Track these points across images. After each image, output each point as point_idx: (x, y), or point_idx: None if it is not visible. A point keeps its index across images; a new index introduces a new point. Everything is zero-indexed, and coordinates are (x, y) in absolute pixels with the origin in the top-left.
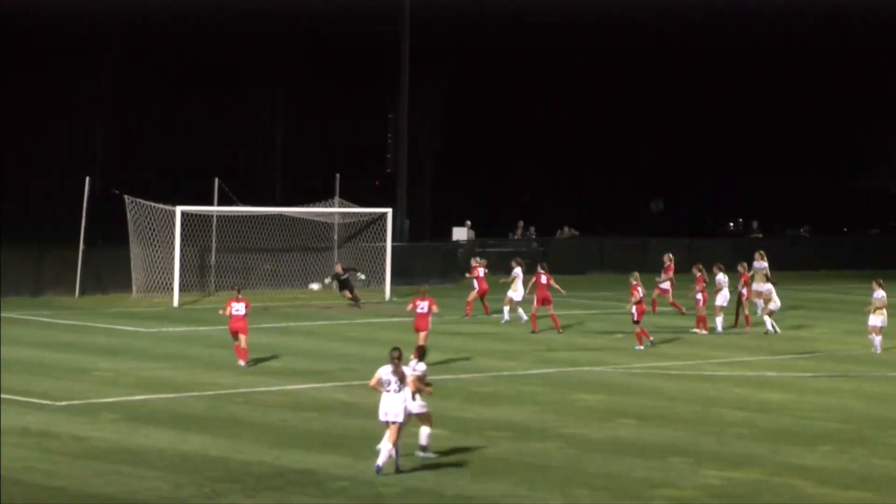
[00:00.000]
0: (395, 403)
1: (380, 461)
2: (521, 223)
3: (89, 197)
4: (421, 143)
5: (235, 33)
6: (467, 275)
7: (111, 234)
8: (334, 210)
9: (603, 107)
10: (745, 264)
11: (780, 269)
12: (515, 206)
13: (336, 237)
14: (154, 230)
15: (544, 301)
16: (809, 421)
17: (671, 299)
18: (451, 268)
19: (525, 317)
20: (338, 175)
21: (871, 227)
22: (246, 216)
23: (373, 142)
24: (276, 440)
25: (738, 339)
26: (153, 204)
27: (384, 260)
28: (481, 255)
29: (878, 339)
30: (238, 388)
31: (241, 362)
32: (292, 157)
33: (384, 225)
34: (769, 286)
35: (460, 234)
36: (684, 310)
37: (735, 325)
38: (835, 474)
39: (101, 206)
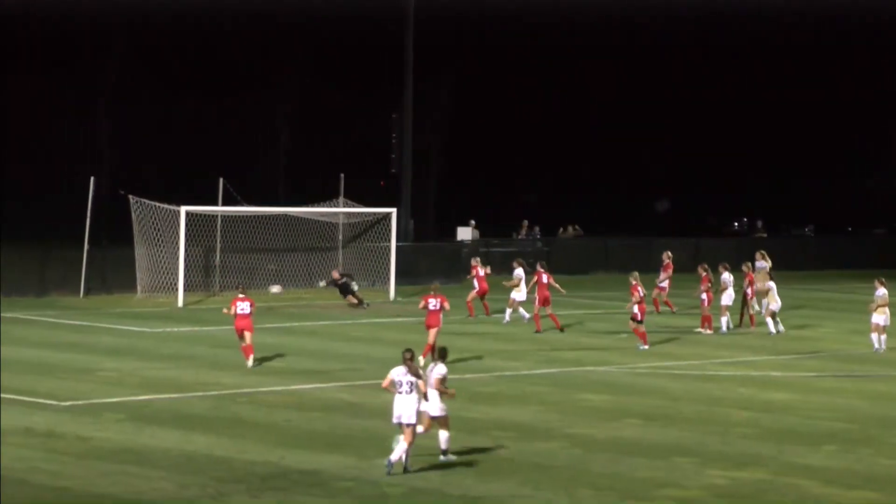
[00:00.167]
0: (409, 405)
1: (393, 457)
2: (525, 223)
3: (94, 197)
4: (425, 143)
5: (241, 33)
6: (467, 277)
7: (116, 235)
8: (339, 210)
9: (608, 106)
10: (750, 264)
11: (785, 269)
12: (520, 205)
13: (340, 237)
14: (159, 230)
15: (546, 300)
16: (815, 421)
17: (665, 297)
18: (455, 268)
19: (527, 316)
20: (342, 175)
21: (875, 226)
22: (250, 216)
23: (377, 142)
24: (281, 440)
25: (743, 338)
26: (158, 204)
27: (388, 260)
28: (484, 257)
29: (883, 338)
30: (242, 388)
31: (248, 362)
32: (297, 158)
33: (388, 225)
34: (771, 283)
35: (465, 233)
36: (675, 309)
37: (740, 324)
38: (840, 474)
39: (106, 206)
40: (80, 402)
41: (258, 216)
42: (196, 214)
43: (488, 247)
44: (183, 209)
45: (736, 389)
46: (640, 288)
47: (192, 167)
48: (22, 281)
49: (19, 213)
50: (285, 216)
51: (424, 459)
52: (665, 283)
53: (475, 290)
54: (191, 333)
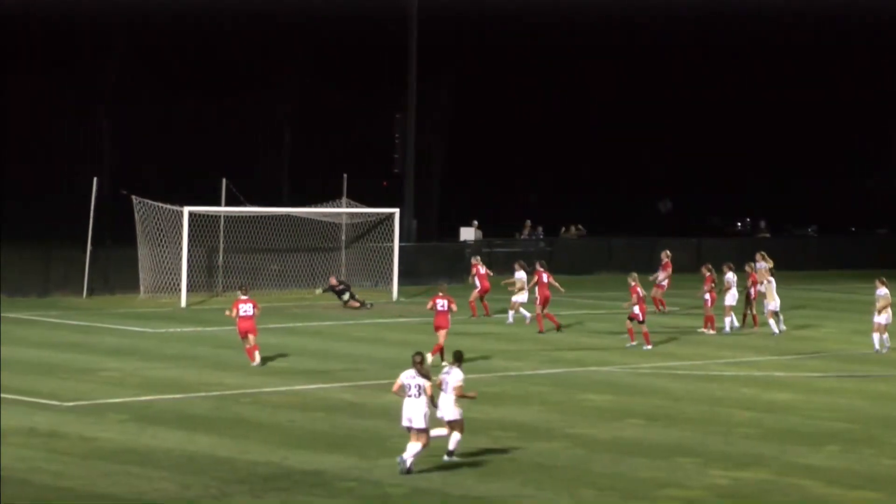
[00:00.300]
0: (418, 409)
1: (406, 455)
2: (528, 223)
3: (97, 197)
4: (428, 143)
5: (243, 33)
6: (469, 279)
7: (119, 235)
8: (342, 210)
9: (611, 106)
10: (753, 264)
11: (787, 269)
12: (522, 205)
13: (343, 237)
14: (161, 231)
15: (546, 300)
16: (817, 421)
17: (659, 296)
18: (458, 268)
19: (529, 316)
20: (345, 175)
21: (878, 226)
22: (253, 216)
23: (380, 142)
24: (284, 440)
25: (746, 339)
26: (161, 204)
27: (392, 260)
28: (486, 258)
29: (885, 337)
30: (245, 388)
31: (253, 362)
32: (300, 158)
33: (391, 225)
34: (770, 280)
35: (468, 234)
36: (666, 309)
37: (743, 324)
38: (843, 474)
39: (109, 206)
40: (82, 403)
41: (261, 216)
42: (199, 215)
43: (491, 247)
44: (186, 209)
45: (738, 389)
46: (639, 288)
47: (194, 168)
48: (25, 281)
49: (22, 214)
50: (288, 216)
51: (427, 459)
52: (665, 283)
53: (477, 290)
54: (194, 334)
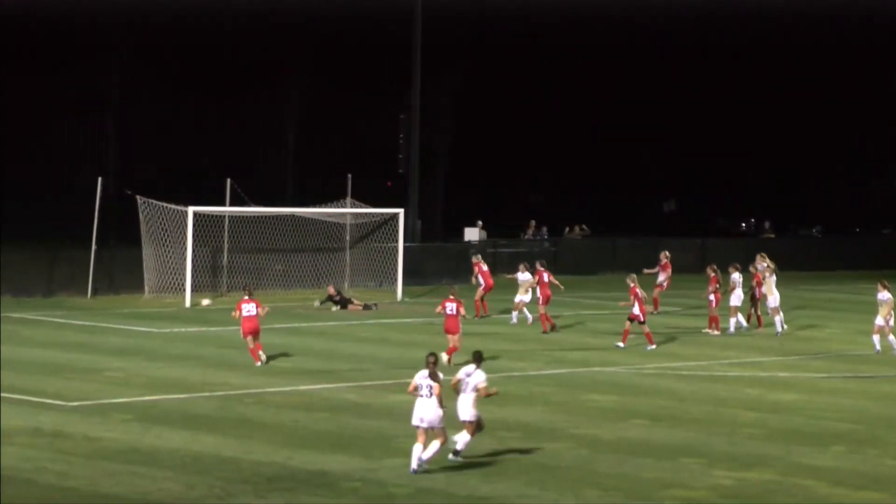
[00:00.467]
0: (430, 408)
1: (425, 455)
2: (532, 223)
3: (101, 198)
4: (432, 143)
5: (247, 33)
6: (472, 280)
7: (123, 235)
8: (346, 210)
9: (616, 107)
10: (755, 265)
11: (792, 270)
12: (527, 205)
13: (348, 238)
14: (166, 231)
15: (547, 299)
16: (822, 421)
17: (656, 295)
18: (463, 268)
19: (531, 317)
20: (349, 175)
21: (882, 227)
22: (258, 217)
23: (384, 142)
24: (288, 441)
25: (750, 339)
26: (165, 204)
27: (396, 260)
28: (491, 258)
29: (892, 338)
30: (249, 388)
31: (257, 363)
32: (304, 158)
33: (396, 225)
34: (769, 275)
35: (472, 234)
36: (658, 310)
37: (748, 323)
38: (847, 475)
39: (114, 206)
40: (87, 403)
41: (265, 217)
42: (203, 215)
43: (495, 247)
44: (190, 209)
45: (743, 390)
46: (638, 289)
47: (198, 168)
48: (29, 281)
49: (26, 214)
50: (292, 217)
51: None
52: (665, 283)
53: (482, 287)
54: (198, 334)
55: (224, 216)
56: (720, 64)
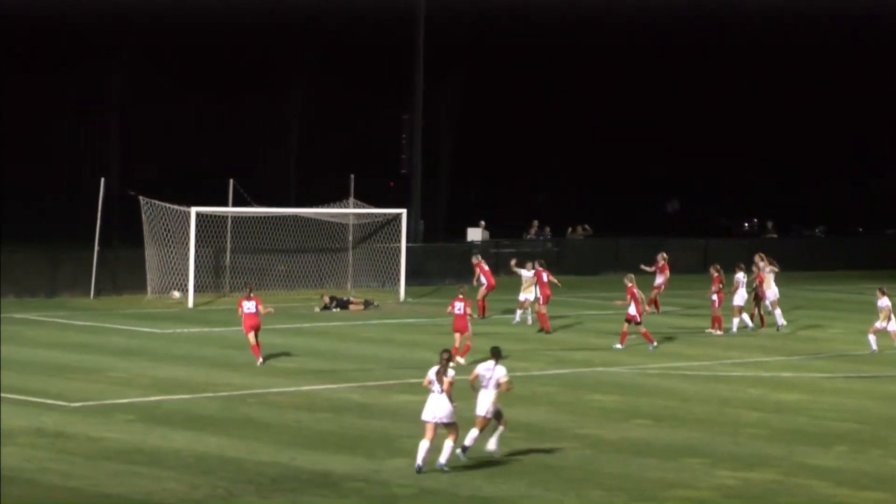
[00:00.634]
0: (441, 404)
1: (442, 459)
2: (535, 223)
3: (104, 198)
4: (435, 143)
5: (250, 33)
6: (475, 282)
7: (126, 236)
8: (349, 211)
9: (619, 107)
10: (756, 266)
11: (796, 270)
12: (530, 206)
13: (351, 238)
14: (169, 231)
15: (547, 299)
16: (825, 421)
17: (654, 296)
18: (465, 268)
19: (530, 318)
20: (352, 176)
21: (886, 227)
22: (260, 217)
23: (387, 142)
24: (291, 441)
25: (753, 339)
26: (168, 205)
27: (399, 261)
28: (494, 258)
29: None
30: (253, 388)
31: (259, 358)
32: (306, 158)
33: (399, 226)
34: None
35: (475, 234)
36: (650, 310)
37: (752, 323)
38: (851, 475)
39: (117, 207)
40: (90, 403)
41: (268, 217)
42: (206, 215)
43: (498, 247)
44: (193, 210)
45: (746, 390)
46: (635, 290)
47: (200, 168)
48: (32, 282)
49: (27, 215)
50: (295, 217)
51: (433, 460)
52: (662, 286)
53: (484, 287)
54: (201, 334)
55: (227, 216)
56: (720, 64)
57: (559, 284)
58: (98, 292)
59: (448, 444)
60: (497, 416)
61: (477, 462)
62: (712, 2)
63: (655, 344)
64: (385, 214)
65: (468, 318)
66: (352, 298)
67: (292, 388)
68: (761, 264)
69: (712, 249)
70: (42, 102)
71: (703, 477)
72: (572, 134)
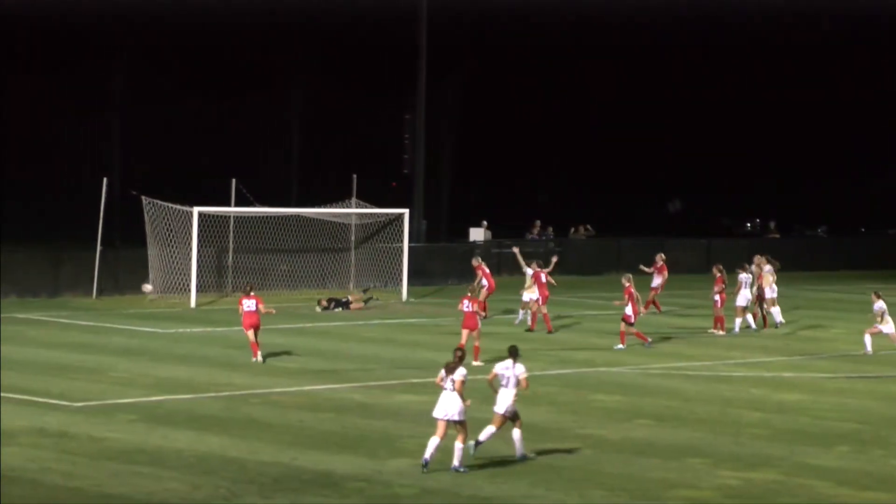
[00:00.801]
0: (454, 402)
1: (455, 461)
2: (537, 223)
3: (106, 198)
4: (437, 143)
5: (252, 33)
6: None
7: (128, 235)
8: (351, 211)
9: (621, 107)
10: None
11: (797, 270)
12: (532, 205)
13: (353, 238)
14: (171, 231)
15: (546, 299)
16: (827, 422)
17: (650, 297)
18: (467, 268)
19: (530, 320)
20: (354, 176)
21: (888, 227)
22: (263, 217)
23: (389, 142)
24: (293, 441)
25: (755, 339)
26: (170, 205)
27: (401, 261)
28: (496, 258)
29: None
30: (255, 388)
31: (259, 358)
32: (309, 158)
33: (401, 226)
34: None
35: (477, 234)
36: (647, 311)
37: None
38: (853, 475)
39: (119, 207)
40: (92, 403)
41: (270, 217)
42: (208, 215)
43: (500, 247)
44: (196, 210)
45: (748, 390)
46: (633, 289)
47: (202, 168)
48: (34, 282)
49: (29, 215)
50: (297, 217)
51: (435, 460)
52: (660, 287)
53: (485, 289)
54: (203, 334)
55: (229, 216)
56: (720, 64)
57: (555, 284)
58: (100, 292)
59: (458, 445)
60: (514, 416)
61: (478, 462)
62: (712, 2)
63: (650, 340)
64: (387, 214)
65: (477, 316)
66: (351, 297)
67: (294, 388)
68: (765, 267)
69: (714, 249)
70: (43, 102)
71: (704, 477)
72: (573, 134)
